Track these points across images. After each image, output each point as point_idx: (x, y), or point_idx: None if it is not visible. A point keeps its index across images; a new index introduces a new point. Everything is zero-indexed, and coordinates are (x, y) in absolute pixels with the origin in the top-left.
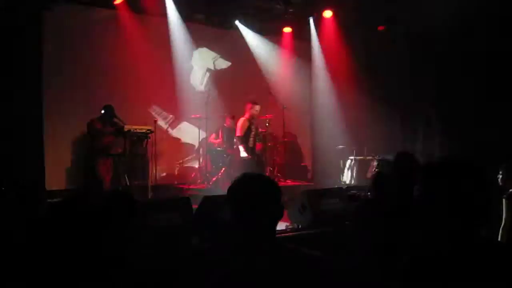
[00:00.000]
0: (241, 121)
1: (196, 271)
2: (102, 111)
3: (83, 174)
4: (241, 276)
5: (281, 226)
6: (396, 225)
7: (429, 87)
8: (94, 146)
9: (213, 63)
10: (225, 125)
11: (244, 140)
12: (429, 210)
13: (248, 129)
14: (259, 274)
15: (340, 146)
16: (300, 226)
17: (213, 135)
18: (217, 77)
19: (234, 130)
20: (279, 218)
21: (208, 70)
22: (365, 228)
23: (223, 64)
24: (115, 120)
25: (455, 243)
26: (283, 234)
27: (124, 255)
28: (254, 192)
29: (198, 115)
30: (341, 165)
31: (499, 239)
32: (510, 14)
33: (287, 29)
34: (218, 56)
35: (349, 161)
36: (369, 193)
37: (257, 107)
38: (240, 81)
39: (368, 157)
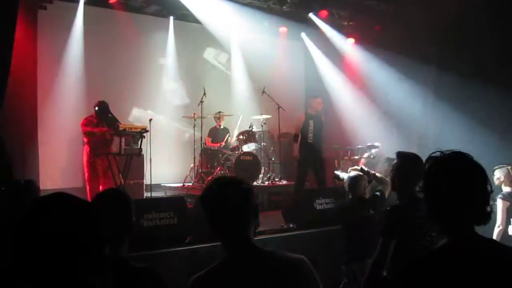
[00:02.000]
0: (298, 117)
1: (187, 271)
2: (96, 108)
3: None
4: (215, 279)
5: (276, 225)
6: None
7: None
8: (90, 144)
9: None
10: (217, 126)
11: (299, 136)
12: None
13: (305, 124)
14: (233, 276)
15: (335, 146)
16: (295, 225)
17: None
18: (212, 75)
19: (226, 129)
20: (252, 219)
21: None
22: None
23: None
24: (110, 116)
25: (455, 243)
26: (278, 234)
27: (117, 255)
28: (222, 196)
29: (192, 115)
30: (336, 165)
31: (493, 238)
32: None
33: (283, 29)
34: (219, 52)
35: (343, 161)
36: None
37: (317, 100)
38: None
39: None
